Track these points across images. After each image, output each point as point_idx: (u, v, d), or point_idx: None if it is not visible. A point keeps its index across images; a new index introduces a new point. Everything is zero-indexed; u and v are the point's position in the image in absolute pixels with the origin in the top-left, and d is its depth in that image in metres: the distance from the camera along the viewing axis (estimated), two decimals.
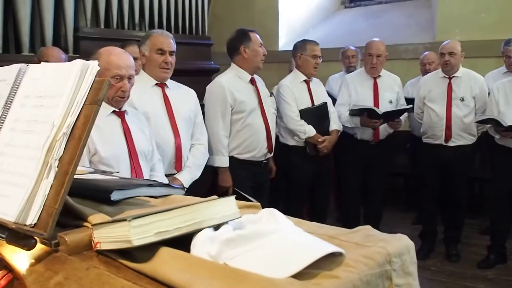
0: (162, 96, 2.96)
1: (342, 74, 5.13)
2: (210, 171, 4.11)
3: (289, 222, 0.93)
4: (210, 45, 4.78)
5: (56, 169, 0.94)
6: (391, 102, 4.27)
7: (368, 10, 7.07)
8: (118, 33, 3.99)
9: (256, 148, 3.56)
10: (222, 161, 3.48)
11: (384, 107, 4.17)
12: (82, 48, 3.72)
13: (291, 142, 4.04)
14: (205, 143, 3.13)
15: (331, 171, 4.33)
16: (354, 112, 4.17)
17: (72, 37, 3.77)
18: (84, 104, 0.98)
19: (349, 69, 5.04)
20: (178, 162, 2.96)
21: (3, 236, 0.91)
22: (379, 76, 4.30)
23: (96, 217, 0.98)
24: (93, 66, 1.00)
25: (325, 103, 4.09)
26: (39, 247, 0.91)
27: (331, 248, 0.80)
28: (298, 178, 4.09)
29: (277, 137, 3.87)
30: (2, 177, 0.99)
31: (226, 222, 0.92)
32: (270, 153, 3.68)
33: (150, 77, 2.93)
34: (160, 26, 4.30)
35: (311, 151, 4.01)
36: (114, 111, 2.47)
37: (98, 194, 1.15)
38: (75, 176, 1.27)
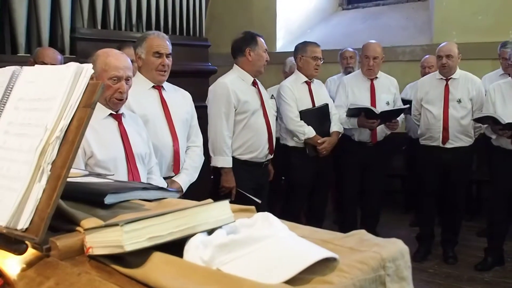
0: (159, 99, 2.95)
1: (340, 75, 5.14)
2: (206, 172, 4.11)
3: (284, 226, 0.93)
4: (207, 46, 4.77)
5: (49, 173, 0.93)
6: (388, 103, 4.28)
7: (365, 12, 7.08)
8: (115, 34, 3.97)
9: (258, 149, 3.59)
10: (226, 162, 3.50)
11: (381, 108, 4.18)
12: (79, 49, 3.71)
13: (291, 143, 4.05)
14: (200, 145, 3.14)
15: (331, 172, 4.33)
16: (351, 112, 4.17)
17: (69, 37, 3.75)
18: (78, 107, 0.97)
19: (347, 70, 5.05)
20: (176, 165, 2.96)
21: None
22: (376, 77, 4.31)
23: (88, 222, 0.97)
24: (87, 69, 0.99)
25: (326, 105, 4.10)
26: (31, 252, 0.91)
27: (325, 253, 0.79)
28: (298, 179, 4.11)
29: (277, 139, 3.89)
30: None
31: (220, 227, 0.91)
32: (271, 155, 3.72)
33: (147, 80, 2.92)
34: (157, 27, 4.28)
35: (310, 152, 4.01)
36: (111, 114, 2.46)
37: (92, 197, 1.15)
38: (69, 179, 1.27)
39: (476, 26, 5.46)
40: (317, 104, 4.08)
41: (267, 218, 0.94)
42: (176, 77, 3.50)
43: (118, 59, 2.39)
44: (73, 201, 1.11)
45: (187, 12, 4.57)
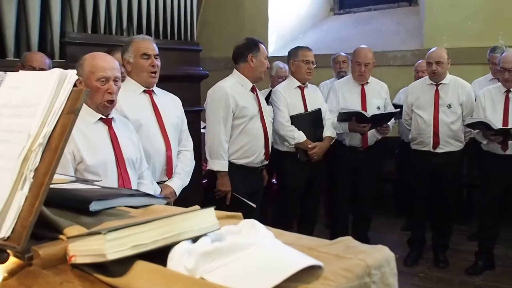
0: (151, 104, 2.95)
1: (333, 80, 5.15)
2: (197, 176, 4.11)
3: (270, 233, 0.92)
4: (199, 50, 4.76)
5: (32, 180, 0.92)
6: (378, 108, 4.29)
7: (357, 17, 7.11)
8: (106, 39, 3.95)
9: (254, 154, 3.62)
10: (222, 166, 3.53)
11: (372, 113, 4.18)
12: (68, 54, 3.68)
13: (282, 148, 4.05)
14: (191, 149, 3.15)
15: (324, 177, 4.33)
16: (342, 117, 4.17)
17: (59, 42, 3.72)
18: (61, 113, 0.96)
19: (340, 75, 5.07)
20: (169, 169, 2.97)
21: None
22: (367, 82, 4.32)
23: (72, 229, 0.96)
24: (71, 75, 0.98)
25: (319, 110, 4.10)
26: (12, 261, 0.89)
27: (309, 261, 0.78)
28: (290, 184, 4.11)
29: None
30: None
31: (205, 234, 0.90)
32: (267, 160, 3.75)
33: (137, 84, 2.92)
34: (148, 32, 4.27)
35: (302, 157, 4.02)
36: (101, 118, 2.45)
37: (77, 204, 1.13)
38: (55, 186, 1.26)
39: (466, 31, 5.50)
40: (309, 109, 4.09)
41: (253, 225, 0.93)
42: (167, 82, 3.50)
43: (104, 60, 2.39)
44: (58, 208, 1.10)
45: (178, 16, 4.56)
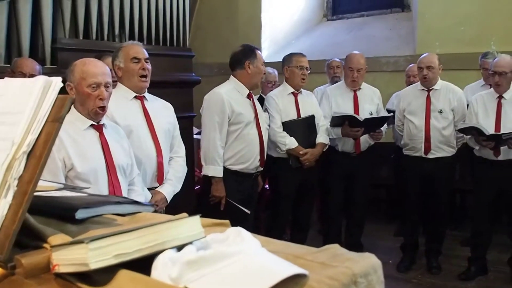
0: (142, 109, 2.95)
1: (327, 86, 5.16)
2: (190, 183, 4.10)
3: (256, 241, 0.91)
4: (191, 56, 4.76)
5: (15, 188, 0.91)
6: (371, 114, 4.30)
7: (350, 22, 7.13)
8: (98, 44, 3.94)
9: (249, 160, 3.63)
10: (217, 171, 3.54)
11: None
12: (60, 60, 3.67)
13: (275, 153, 4.04)
14: (183, 156, 3.14)
15: (316, 183, 4.33)
16: (335, 121, 4.17)
17: (50, 48, 3.71)
18: (46, 121, 0.95)
19: (334, 80, 5.07)
20: (160, 175, 2.96)
21: None
22: (359, 88, 4.33)
23: (56, 238, 0.95)
24: (56, 83, 0.98)
25: (312, 116, 4.09)
26: None
27: (294, 269, 0.78)
28: (282, 189, 4.10)
29: None
30: None
31: (191, 243, 0.90)
32: (262, 167, 3.76)
33: (128, 90, 2.91)
34: (140, 37, 4.26)
35: (294, 164, 4.01)
36: (92, 125, 2.45)
37: (63, 212, 1.12)
38: (43, 193, 1.25)
39: (458, 37, 5.53)
40: (303, 116, 4.09)
41: (239, 233, 0.93)
42: (160, 88, 3.50)
43: (95, 66, 2.39)
44: (44, 216, 1.09)
45: (171, 22, 4.56)
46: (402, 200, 4.50)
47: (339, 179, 4.38)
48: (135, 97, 2.93)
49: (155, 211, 1.50)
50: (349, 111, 4.24)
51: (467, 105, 4.13)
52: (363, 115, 4.20)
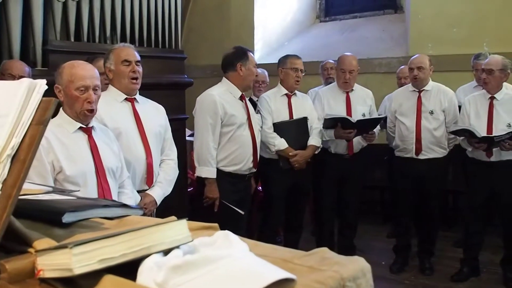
0: (132, 112, 2.93)
1: (321, 87, 5.15)
2: (183, 185, 4.08)
3: (244, 245, 0.90)
4: (183, 58, 4.74)
5: None
6: (364, 115, 4.29)
7: (342, 24, 7.15)
8: (89, 47, 3.91)
9: (242, 161, 3.64)
10: (210, 172, 3.55)
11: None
12: (51, 62, 3.63)
13: (266, 155, 4.04)
14: (175, 158, 3.12)
15: (308, 184, 4.32)
16: (327, 123, 4.17)
17: (41, 50, 3.68)
18: (30, 124, 0.94)
19: (328, 81, 5.07)
20: (149, 178, 2.95)
21: None
22: (352, 90, 4.32)
23: (41, 242, 0.93)
24: (40, 85, 0.96)
25: (305, 118, 4.09)
26: None
27: (281, 273, 0.77)
28: (274, 191, 4.10)
29: None
30: None
31: (178, 247, 0.89)
32: (255, 168, 3.77)
33: (119, 92, 2.90)
34: (132, 39, 4.24)
35: (284, 165, 4.01)
36: (81, 127, 2.43)
37: (50, 216, 1.11)
38: (30, 197, 1.23)
39: (451, 38, 5.55)
40: (296, 117, 4.08)
41: (227, 237, 0.92)
42: (152, 90, 3.48)
43: (84, 69, 2.37)
44: (31, 219, 1.07)
45: (163, 24, 4.53)
46: (395, 202, 4.50)
47: (332, 181, 4.37)
48: (126, 99, 2.92)
49: (144, 214, 1.48)
50: (342, 112, 4.24)
51: (459, 107, 4.14)
52: (355, 116, 4.20)
